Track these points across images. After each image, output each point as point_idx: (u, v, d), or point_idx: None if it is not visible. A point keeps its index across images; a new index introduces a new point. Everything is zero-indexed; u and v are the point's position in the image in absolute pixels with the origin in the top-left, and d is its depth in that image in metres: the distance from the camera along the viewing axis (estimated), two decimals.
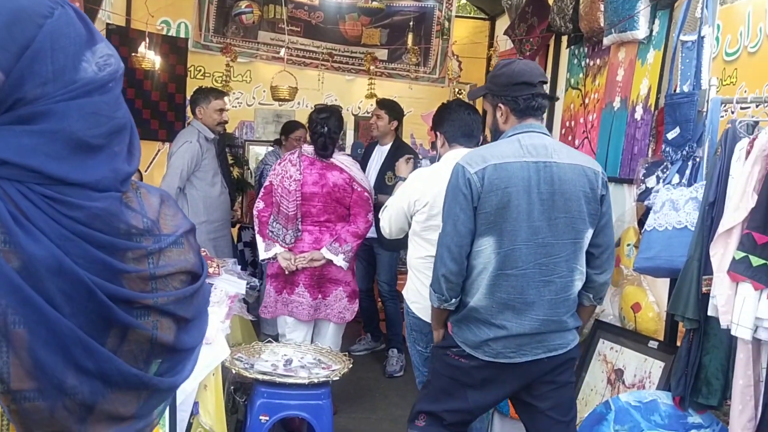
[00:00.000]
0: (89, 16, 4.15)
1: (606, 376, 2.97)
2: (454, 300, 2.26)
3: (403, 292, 3.03)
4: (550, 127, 4.56)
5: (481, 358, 2.25)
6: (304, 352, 3.09)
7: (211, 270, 2.91)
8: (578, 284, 2.28)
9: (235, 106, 6.31)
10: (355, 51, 6.01)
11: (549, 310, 2.22)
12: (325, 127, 3.64)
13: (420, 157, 4.58)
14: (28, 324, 0.83)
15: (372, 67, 5.83)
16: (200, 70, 6.09)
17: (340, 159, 3.72)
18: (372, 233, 4.88)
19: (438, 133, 3.09)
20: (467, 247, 2.20)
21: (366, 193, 3.72)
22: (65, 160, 0.87)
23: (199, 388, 2.40)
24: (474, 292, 2.23)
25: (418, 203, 2.86)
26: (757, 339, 1.97)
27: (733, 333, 1.99)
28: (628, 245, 3.21)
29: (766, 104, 2.34)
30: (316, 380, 2.75)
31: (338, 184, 3.62)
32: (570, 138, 4.19)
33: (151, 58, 5.12)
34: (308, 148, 3.74)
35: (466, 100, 4.38)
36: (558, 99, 2.29)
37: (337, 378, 2.83)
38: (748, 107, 2.47)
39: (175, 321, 0.98)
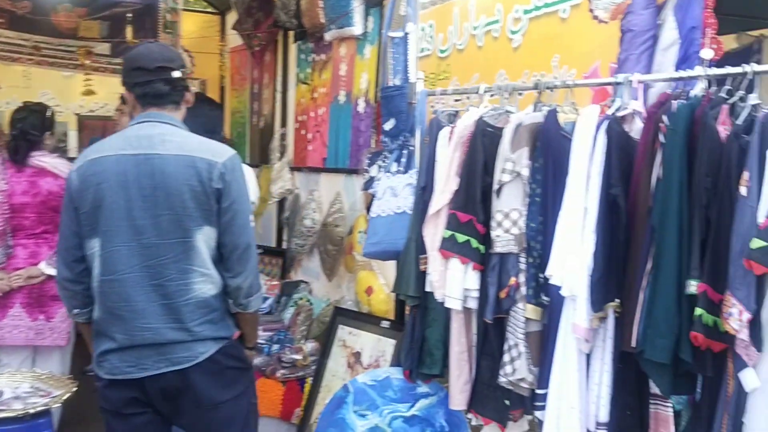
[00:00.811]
0: None
1: (346, 361, 3.08)
2: (78, 310, 2.09)
3: None
4: (284, 121, 4.61)
5: (102, 375, 2.04)
6: (20, 382, 2.73)
7: None
8: (202, 287, 2.00)
9: None
10: (70, 44, 5.49)
11: (163, 317, 1.98)
12: (17, 128, 3.32)
13: None
14: None
15: (88, 62, 5.37)
16: None
17: (54, 163, 3.35)
18: None
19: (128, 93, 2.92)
20: (74, 250, 2.03)
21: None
22: None
23: None
24: (95, 303, 2.05)
25: None
26: (467, 308, 2.16)
27: (446, 305, 2.16)
28: (360, 232, 3.36)
29: (465, 95, 2.58)
30: (32, 411, 2.45)
31: (53, 191, 3.26)
32: (303, 132, 4.27)
33: None
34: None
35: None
36: (188, 88, 2.10)
37: (58, 405, 2.55)
38: (458, 99, 2.70)
39: None
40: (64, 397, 2.56)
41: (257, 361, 3.09)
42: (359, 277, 3.20)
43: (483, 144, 2.09)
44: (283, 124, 4.65)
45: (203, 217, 1.98)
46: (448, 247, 2.12)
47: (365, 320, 3.07)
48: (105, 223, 1.97)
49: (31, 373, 2.84)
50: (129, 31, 5.22)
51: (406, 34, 2.70)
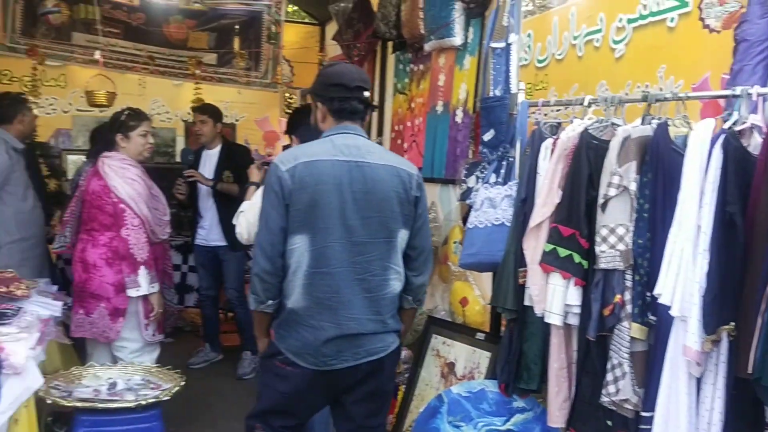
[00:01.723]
0: None
1: (440, 371, 3.08)
2: (270, 302, 2.22)
3: None
4: (380, 130, 4.68)
5: (302, 365, 2.20)
6: (132, 373, 2.91)
7: (19, 292, 2.65)
8: (395, 284, 2.25)
9: (49, 113, 5.84)
10: (181, 54, 5.77)
11: (365, 309, 2.20)
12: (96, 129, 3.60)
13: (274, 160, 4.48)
14: None
15: (198, 72, 5.63)
16: (6, 75, 5.59)
17: (110, 163, 3.34)
18: (218, 240, 4.75)
19: (293, 137, 3.09)
20: (279, 245, 2.17)
21: (122, 205, 3.28)
22: None
23: (10, 424, 2.17)
24: (291, 293, 2.19)
25: None
26: (568, 324, 2.12)
27: (546, 320, 2.13)
28: (455, 243, 3.36)
29: (568, 106, 2.54)
30: (144, 402, 2.59)
31: (96, 191, 3.30)
32: (399, 141, 4.32)
33: None
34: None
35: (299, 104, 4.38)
36: (377, 107, 2.34)
37: (168, 398, 2.68)
38: (559, 110, 2.67)
39: None
40: (174, 390, 2.70)
41: None
42: (454, 287, 3.20)
43: (588, 157, 2.06)
44: (380, 133, 4.72)
45: (403, 221, 2.25)
46: (550, 261, 2.09)
47: (460, 331, 3.06)
48: (320, 221, 2.15)
49: (142, 366, 3.01)
50: (236, 42, 5.44)
51: (509, 44, 2.68)
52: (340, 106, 2.25)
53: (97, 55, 5.11)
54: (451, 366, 3.01)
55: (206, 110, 4.77)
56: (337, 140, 2.23)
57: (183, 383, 2.79)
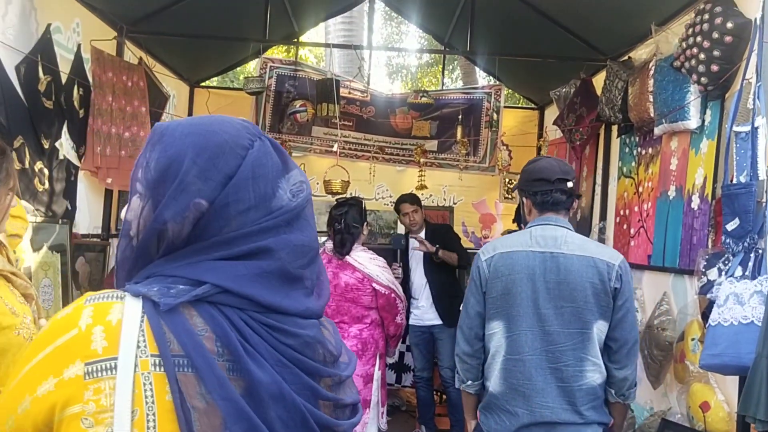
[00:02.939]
0: (154, 119, 4.36)
1: None
2: (470, 382, 2.35)
3: None
4: (604, 215, 4.52)
5: None
6: None
7: None
8: (593, 375, 2.23)
9: None
10: (405, 143, 6.14)
11: (559, 398, 2.21)
12: (342, 222, 3.49)
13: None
14: None
15: (422, 159, 5.92)
16: None
17: (356, 256, 3.50)
18: (433, 319, 4.87)
19: (521, 226, 3.15)
20: (477, 329, 2.33)
21: (393, 294, 3.45)
22: (276, 291, 0.90)
23: None
24: (491, 376, 2.30)
25: None
26: None
27: None
28: (693, 339, 3.08)
29: None
30: None
31: (350, 284, 3.41)
32: (625, 227, 4.13)
33: None
34: (329, 245, 3.60)
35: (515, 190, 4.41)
36: (581, 197, 2.41)
37: None
38: None
39: None
40: None
41: None
42: (693, 389, 2.91)
43: None
44: (603, 217, 4.56)
45: (600, 312, 2.23)
46: None
47: None
48: (512, 308, 2.26)
49: None
50: (459, 131, 5.66)
51: (755, 128, 2.49)
52: (542, 198, 2.36)
53: (335, 147, 5.62)
54: None
55: (416, 200, 5.02)
56: (535, 231, 2.32)
57: None
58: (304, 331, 0.92)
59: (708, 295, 2.67)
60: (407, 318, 5.00)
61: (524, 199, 2.45)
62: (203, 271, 0.87)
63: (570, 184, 2.37)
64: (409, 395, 5.91)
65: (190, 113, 5.99)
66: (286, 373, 0.88)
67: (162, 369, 0.83)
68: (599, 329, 2.23)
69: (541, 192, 2.36)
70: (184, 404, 0.82)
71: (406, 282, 5.06)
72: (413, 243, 4.99)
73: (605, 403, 2.30)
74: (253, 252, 0.89)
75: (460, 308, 2.50)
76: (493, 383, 2.29)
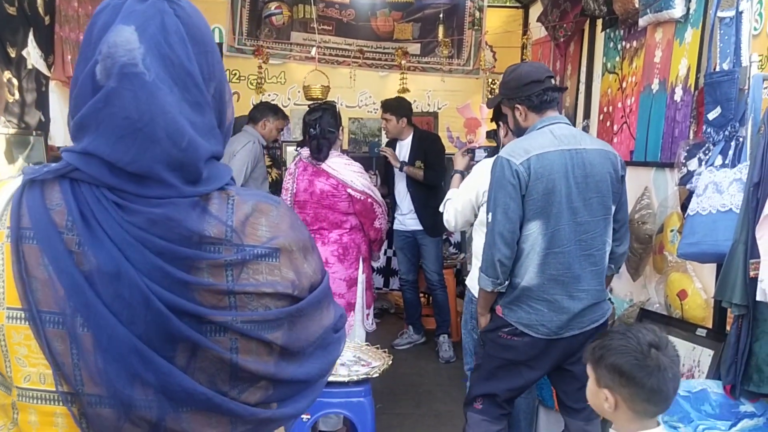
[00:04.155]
0: None
1: None
2: (506, 282, 2.50)
3: (468, 282, 3.15)
4: (588, 113, 4.48)
5: (533, 335, 2.47)
6: (344, 350, 3.09)
7: None
8: (608, 257, 2.54)
9: None
10: (387, 47, 5.99)
11: (592, 281, 2.47)
12: (317, 127, 3.41)
13: (477, 147, 4.54)
14: (92, 328, 0.84)
15: (404, 62, 5.79)
16: (235, 74, 6.16)
17: (331, 162, 3.44)
18: (415, 225, 4.91)
19: (500, 123, 3.18)
20: (518, 232, 2.43)
21: (369, 200, 3.42)
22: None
23: None
24: (524, 273, 2.44)
25: (486, 194, 2.86)
26: None
27: None
28: (672, 231, 3.12)
29: None
30: (356, 378, 2.75)
31: (325, 191, 3.38)
32: (608, 123, 4.10)
33: None
34: (305, 152, 3.54)
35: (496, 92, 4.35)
36: (566, 89, 2.72)
37: (377, 375, 2.82)
38: None
39: (269, 347, 0.92)
40: (383, 368, 2.83)
41: None
42: (670, 278, 2.97)
43: None
44: (586, 115, 4.51)
45: (614, 199, 2.51)
46: None
47: (678, 326, 2.85)
48: (553, 206, 2.41)
49: (352, 344, 3.19)
50: (440, 31, 5.52)
51: (740, 12, 2.43)
52: (539, 99, 2.48)
53: (313, 51, 5.47)
54: None
55: (389, 107, 4.96)
56: (555, 131, 2.45)
57: (391, 362, 2.91)
58: (152, 209, 0.86)
59: (688, 186, 2.68)
60: (392, 222, 5.06)
61: (517, 108, 2.52)
62: (68, 150, 0.89)
63: (553, 81, 2.52)
64: (397, 298, 6.04)
65: None
66: (132, 252, 0.85)
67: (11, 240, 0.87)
68: (612, 213, 2.51)
69: (536, 93, 2.47)
70: (22, 273, 0.85)
71: (389, 189, 5.07)
72: (401, 149, 4.96)
73: None
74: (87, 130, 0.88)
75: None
76: (528, 278, 2.44)
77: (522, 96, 2.48)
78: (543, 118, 2.48)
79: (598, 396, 1.67)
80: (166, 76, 0.88)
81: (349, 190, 3.38)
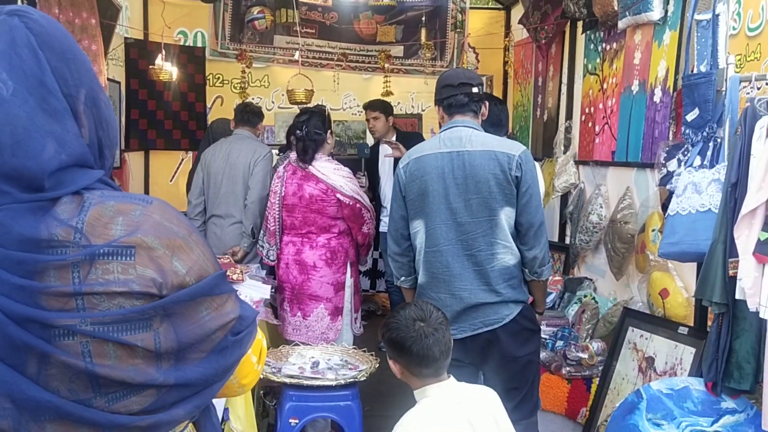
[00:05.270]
0: (106, 32, 4.13)
1: (637, 365, 2.93)
2: (404, 278, 2.60)
3: None
4: (570, 114, 4.53)
5: None
6: (331, 354, 3.10)
7: (234, 276, 2.93)
8: (504, 257, 2.43)
9: None
10: (370, 49, 6.00)
11: (476, 280, 2.43)
12: (303, 129, 3.40)
13: None
14: None
15: (387, 65, 5.81)
16: (219, 78, 6.15)
17: (320, 166, 3.42)
18: None
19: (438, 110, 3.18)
20: (402, 230, 2.55)
21: (358, 205, 3.41)
22: None
23: None
24: (419, 270, 2.53)
25: None
26: None
27: (761, 316, 1.95)
28: (653, 230, 3.17)
29: None
30: (343, 381, 2.76)
31: (314, 195, 3.36)
32: (590, 124, 4.15)
33: (168, 69, 5.16)
34: (293, 155, 3.52)
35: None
36: (485, 95, 2.66)
37: (365, 378, 2.83)
38: None
39: (131, 351, 0.88)
40: (370, 371, 2.84)
41: (542, 356, 3.09)
42: (653, 278, 3.01)
43: None
44: (569, 116, 4.56)
45: (505, 200, 2.42)
46: (766, 251, 1.91)
47: (660, 324, 2.89)
48: (428, 206, 2.47)
49: (340, 347, 3.20)
50: (423, 33, 5.54)
51: (716, 15, 2.47)
52: (448, 102, 2.52)
53: (296, 55, 5.48)
54: (650, 361, 2.85)
55: (377, 106, 4.98)
56: (443, 135, 2.51)
57: (378, 365, 2.92)
58: None
59: (667, 186, 2.72)
60: (378, 226, 5.06)
61: (437, 107, 2.60)
62: None
63: (475, 90, 2.53)
64: (384, 300, 6.05)
65: (145, 26, 5.76)
66: None
67: None
68: (507, 215, 2.43)
69: (446, 97, 2.53)
70: None
71: (375, 191, 5.07)
72: (385, 151, 4.95)
73: (524, 282, 2.50)
74: None
75: None
76: (420, 276, 2.53)
77: (437, 99, 2.59)
78: (450, 121, 2.55)
79: (392, 367, 1.97)
80: (21, 87, 0.89)
81: (338, 195, 3.37)
